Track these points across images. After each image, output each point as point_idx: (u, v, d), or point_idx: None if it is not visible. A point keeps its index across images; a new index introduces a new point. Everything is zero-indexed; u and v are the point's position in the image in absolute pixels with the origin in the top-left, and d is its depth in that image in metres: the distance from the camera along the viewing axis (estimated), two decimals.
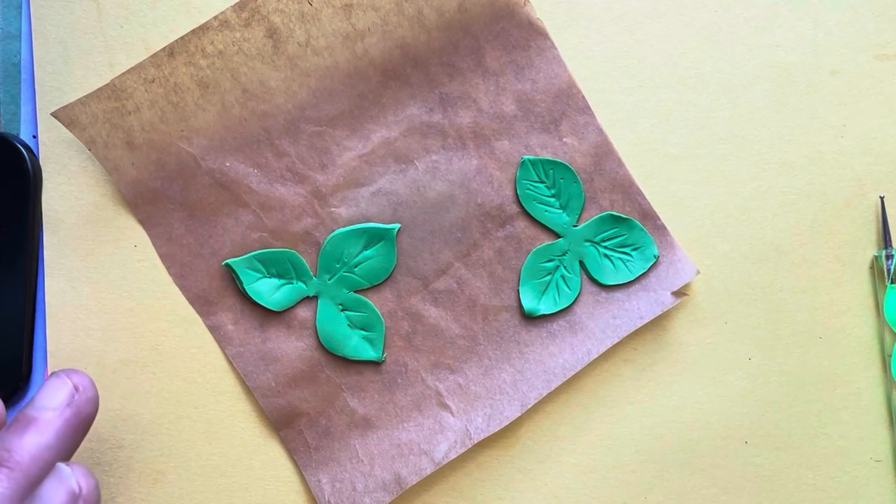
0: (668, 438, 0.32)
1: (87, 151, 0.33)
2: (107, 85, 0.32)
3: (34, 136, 0.34)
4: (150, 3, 0.34)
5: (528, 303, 0.32)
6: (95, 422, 0.32)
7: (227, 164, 0.33)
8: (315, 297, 0.32)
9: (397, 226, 0.32)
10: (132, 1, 0.34)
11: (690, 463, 0.31)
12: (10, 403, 0.33)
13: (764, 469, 0.31)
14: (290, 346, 0.32)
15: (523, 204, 0.32)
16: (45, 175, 0.34)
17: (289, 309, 0.32)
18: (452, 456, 0.31)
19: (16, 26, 0.34)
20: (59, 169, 0.34)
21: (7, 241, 0.33)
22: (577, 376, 0.32)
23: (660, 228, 0.32)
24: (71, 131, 0.32)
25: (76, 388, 0.26)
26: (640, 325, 0.32)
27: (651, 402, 0.32)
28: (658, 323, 0.32)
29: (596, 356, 0.32)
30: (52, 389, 0.26)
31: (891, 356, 0.31)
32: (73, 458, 0.30)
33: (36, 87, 0.34)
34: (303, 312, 0.32)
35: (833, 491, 0.31)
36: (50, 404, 0.26)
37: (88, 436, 0.33)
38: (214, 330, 0.33)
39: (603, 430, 0.32)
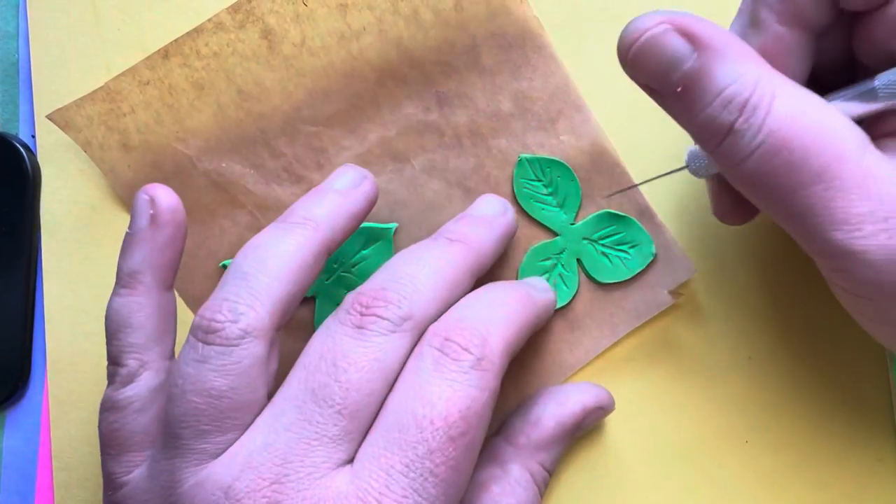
0: (668, 438, 0.31)
1: (85, 154, 0.33)
2: (101, 87, 0.32)
3: (32, 136, 0.34)
4: (147, 6, 0.34)
5: None
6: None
7: (224, 166, 0.33)
8: (313, 298, 0.32)
9: (394, 225, 0.32)
10: (129, 3, 0.34)
11: (691, 462, 0.31)
12: (8, 404, 0.33)
13: (764, 469, 0.31)
14: (288, 348, 0.32)
15: (520, 202, 0.32)
16: (43, 178, 0.34)
17: None
18: None
19: (13, 25, 0.34)
20: (56, 172, 0.34)
21: (6, 242, 0.33)
22: (577, 376, 0.32)
23: (657, 226, 0.31)
24: (66, 133, 0.33)
25: (506, 206, 0.30)
26: (638, 325, 0.31)
27: (651, 401, 0.32)
28: (658, 323, 0.32)
29: (594, 356, 0.31)
30: (487, 202, 0.30)
31: (892, 355, 0.30)
32: None
33: (33, 89, 0.34)
34: (301, 313, 0.32)
35: (835, 491, 0.30)
36: (489, 211, 0.30)
37: (88, 438, 0.33)
38: None
39: (602, 430, 0.32)
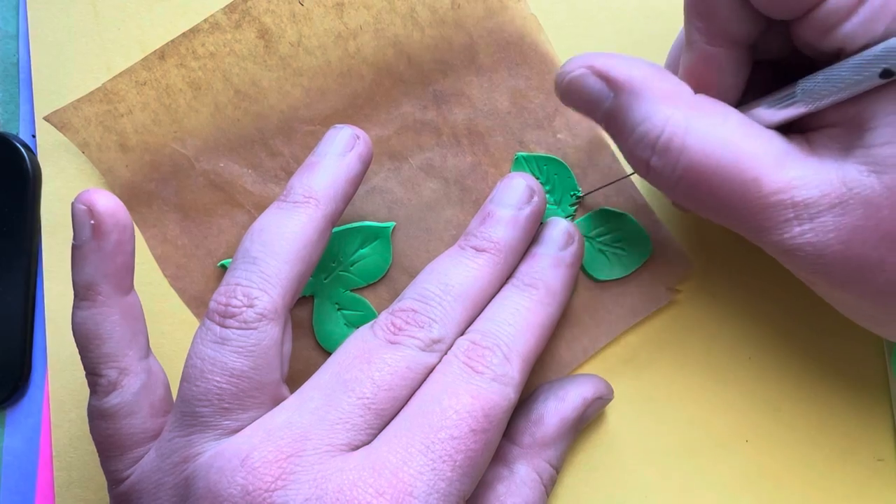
0: (668, 438, 0.31)
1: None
2: (98, 88, 0.33)
3: (33, 136, 0.34)
4: (147, 6, 0.34)
5: None
6: None
7: (222, 165, 0.33)
8: (311, 297, 0.32)
9: (392, 224, 0.32)
10: (129, 4, 0.34)
11: (691, 462, 0.31)
12: (9, 404, 0.34)
13: (765, 468, 0.31)
14: (287, 347, 0.32)
15: None
16: (43, 178, 0.34)
17: None
18: None
19: (13, 25, 0.35)
20: (57, 172, 0.34)
21: (6, 241, 0.33)
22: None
23: (655, 223, 0.31)
24: (64, 135, 0.33)
25: (532, 190, 0.29)
26: (635, 322, 0.31)
27: (651, 401, 0.31)
28: (657, 322, 0.31)
29: (592, 353, 0.31)
30: (511, 189, 0.29)
31: (891, 356, 0.30)
32: None
33: (33, 89, 0.34)
34: (299, 312, 0.32)
35: (835, 491, 0.30)
36: (512, 203, 0.29)
37: (89, 437, 0.33)
38: None
39: (603, 429, 0.31)
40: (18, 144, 0.33)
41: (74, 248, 0.27)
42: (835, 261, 0.23)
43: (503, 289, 0.28)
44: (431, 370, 0.26)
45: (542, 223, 0.30)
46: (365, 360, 0.25)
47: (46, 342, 0.34)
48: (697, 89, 0.25)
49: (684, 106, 0.24)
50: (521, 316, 0.27)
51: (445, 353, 0.26)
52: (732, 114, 0.24)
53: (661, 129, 0.24)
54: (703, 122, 0.24)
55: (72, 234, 0.33)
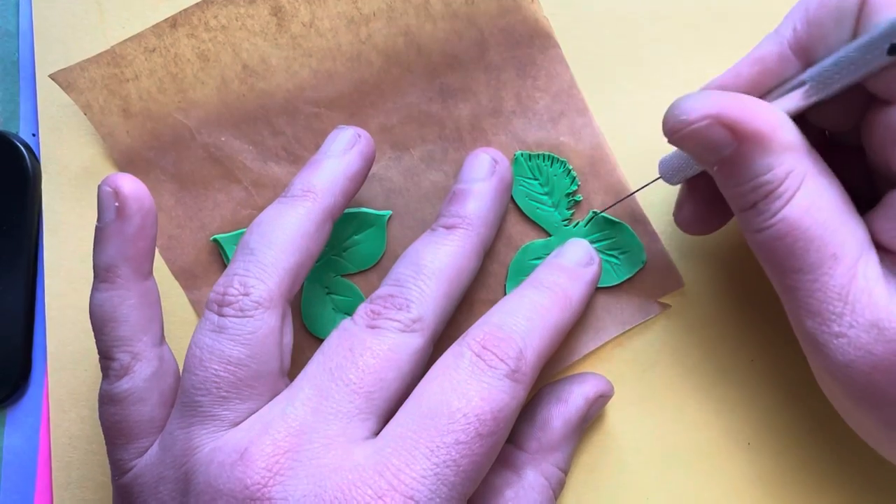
0: (669, 440, 0.31)
1: (87, 153, 0.33)
2: (107, 51, 0.32)
3: (33, 135, 0.34)
4: (151, 5, 0.34)
5: None
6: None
7: (223, 139, 0.33)
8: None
9: (388, 213, 0.32)
10: (134, 1, 0.34)
11: (692, 465, 0.31)
12: (9, 403, 0.33)
13: (766, 471, 0.31)
14: (287, 339, 0.32)
15: (515, 200, 0.32)
16: (44, 177, 0.34)
17: None
18: None
19: (13, 24, 0.34)
20: (58, 170, 0.34)
21: (7, 240, 0.33)
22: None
23: (650, 234, 0.31)
24: (68, 94, 0.33)
25: (495, 160, 0.30)
26: (623, 332, 0.31)
27: (652, 403, 0.31)
28: (659, 324, 0.32)
29: (578, 358, 0.31)
30: (475, 165, 0.30)
31: None
32: None
33: (37, 87, 0.34)
34: None
35: (836, 494, 0.30)
36: (477, 176, 0.30)
37: (88, 437, 0.33)
38: (197, 304, 0.33)
39: (604, 431, 0.32)
40: (19, 143, 0.33)
41: (98, 229, 0.27)
42: (858, 377, 0.23)
43: (520, 286, 0.28)
44: (419, 352, 0.26)
45: (564, 242, 0.30)
46: (347, 347, 0.25)
47: (47, 341, 0.33)
48: (752, 76, 0.25)
49: (805, 159, 0.24)
50: (537, 313, 0.27)
51: (431, 339, 0.27)
52: (835, 180, 0.24)
53: (783, 179, 0.23)
54: (815, 182, 0.24)
55: (73, 232, 0.33)
